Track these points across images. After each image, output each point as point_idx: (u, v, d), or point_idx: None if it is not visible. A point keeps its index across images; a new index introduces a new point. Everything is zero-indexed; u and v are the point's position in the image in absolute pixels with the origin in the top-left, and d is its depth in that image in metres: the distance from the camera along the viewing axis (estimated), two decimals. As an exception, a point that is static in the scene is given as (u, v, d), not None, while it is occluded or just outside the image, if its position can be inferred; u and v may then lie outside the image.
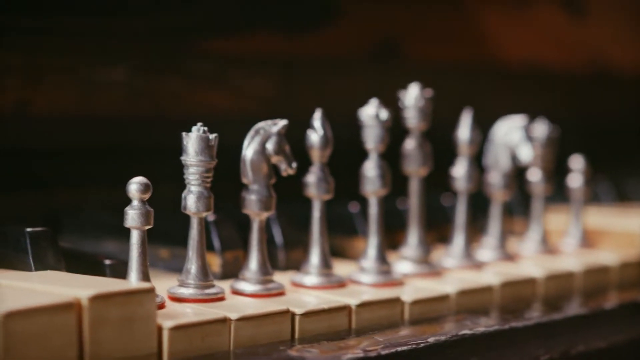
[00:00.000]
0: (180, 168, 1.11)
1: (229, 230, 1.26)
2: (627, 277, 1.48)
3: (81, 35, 1.51)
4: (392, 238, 1.47)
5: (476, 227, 1.60)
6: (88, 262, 1.17)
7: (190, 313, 1.04)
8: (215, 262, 1.24)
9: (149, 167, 1.23)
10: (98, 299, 0.91)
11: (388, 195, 1.29)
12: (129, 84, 1.58)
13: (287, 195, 1.28)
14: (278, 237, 1.32)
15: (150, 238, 1.29)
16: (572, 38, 2.35)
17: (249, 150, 1.15)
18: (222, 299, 1.10)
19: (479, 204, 1.53)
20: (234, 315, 1.02)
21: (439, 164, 1.41)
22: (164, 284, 1.13)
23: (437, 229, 1.60)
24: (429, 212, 1.54)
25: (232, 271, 1.23)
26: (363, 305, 1.14)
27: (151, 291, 0.95)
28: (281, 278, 1.21)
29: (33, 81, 1.46)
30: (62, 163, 1.49)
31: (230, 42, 1.69)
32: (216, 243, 1.25)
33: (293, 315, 1.07)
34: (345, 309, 1.12)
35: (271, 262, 1.24)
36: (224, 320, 1.01)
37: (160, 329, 0.96)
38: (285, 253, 1.31)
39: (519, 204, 1.71)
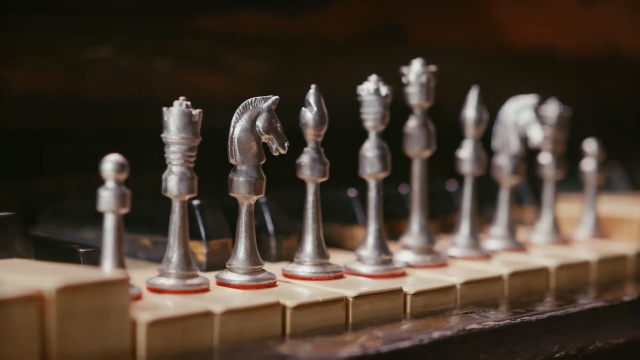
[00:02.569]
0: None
1: (216, 216, 1.17)
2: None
3: (63, 13, 1.42)
4: (395, 226, 1.38)
5: (485, 215, 1.51)
6: (62, 250, 1.08)
7: (171, 306, 0.94)
8: (200, 250, 1.15)
9: (136, 152, 1.14)
10: (66, 291, 0.82)
11: (391, 180, 1.20)
12: (114, 65, 1.49)
13: (281, 178, 1.19)
14: (270, 223, 1.22)
15: (135, 226, 1.21)
16: (584, 21, 2.25)
17: (236, 127, 1.05)
18: (206, 290, 1.01)
19: (489, 192, 1.43)
20: (218, 308, 0.92)
21: (450, 152, 1.32)
22: (144, 275, 1.04)
23: (444, 217, 1.51)
24: (436, 199, 1.46)
25: (218, 261, 1.14)
26: (361, 297, 1.04)
27: (124, 281, 0.85)
28: (273, 268, 1.12)
29: (11, 61, 1.38)
30: (42, 147, 1.40)
31: (225, 21, 1.60)
32: (201, 230, 1.15)
33: (284, 308, 0.97)
34: (341, 301, 1.03)
35: (262, 251, 1.15)
36: (208, 314, 0.92)
37: (135, 324, 0.87)
38: (278, 241, 1.22)
39: (530, 192, 1.61)
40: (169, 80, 1.54)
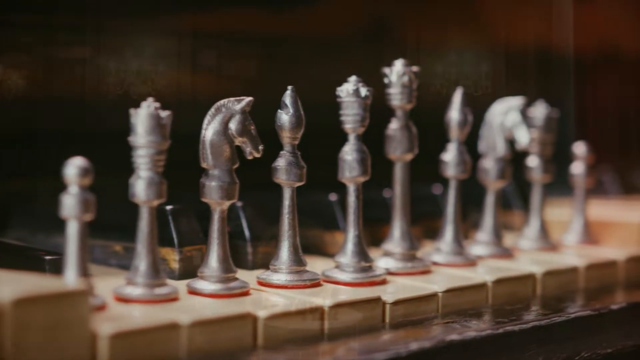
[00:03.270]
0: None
1: (189, 222, 1.13)
2: (634, 275, 1.34)
3: (35, 10, 1.38)
4: (378, 231, 1.34)
5: (472, 220, 1.47)
6: (28, 257, 1.04)
7: (136, 317, 0.90)
8: (173, 257, 1.11)
9: (110, 154, 1.10)
10: (22, 302, 0.78)
11: (375, 183, 1.17)
12: (89, 63, 1.45)
13: (259, 181, 1.15)
14: (246, 229, 1.18)
15: (107, 232, 1.17)
16: (578, 21, 2.21)
17: (208, 130, 1.01)
18: (175, 299, 0.96)
19: (477, 196, 1.39)
20: (186, 319, 0.88)
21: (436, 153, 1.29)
22: (115, 283, 1.00)
23: (430, 221, 1.47)
24: (422, 203, 1.42)
25: (192, 268, 1.10)
26: (337, 307, 1.00)
27: (83, 292, 0.81)
28: (248, 276, 1.07)
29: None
30: (13, 149, 1.36)
31: (209, 17, 1.56)
32: (174, 236, 1.11)
33: (255, 318, 0.93)
34: (316, 311, 0.99)
35: (238, 258, 1.11)
36: (174, 326, 0.88)
37: (97, 336, 0.83)
38: (254, 248, 1.18)
39: (519, 197, 1.57)
40: (147, 80, 1.50)
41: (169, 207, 1.11)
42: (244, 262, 1.17)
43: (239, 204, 1.17)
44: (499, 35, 1.99)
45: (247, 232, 1.18)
